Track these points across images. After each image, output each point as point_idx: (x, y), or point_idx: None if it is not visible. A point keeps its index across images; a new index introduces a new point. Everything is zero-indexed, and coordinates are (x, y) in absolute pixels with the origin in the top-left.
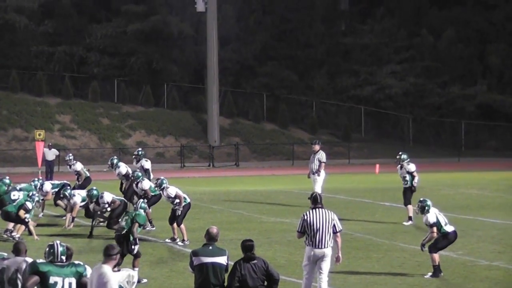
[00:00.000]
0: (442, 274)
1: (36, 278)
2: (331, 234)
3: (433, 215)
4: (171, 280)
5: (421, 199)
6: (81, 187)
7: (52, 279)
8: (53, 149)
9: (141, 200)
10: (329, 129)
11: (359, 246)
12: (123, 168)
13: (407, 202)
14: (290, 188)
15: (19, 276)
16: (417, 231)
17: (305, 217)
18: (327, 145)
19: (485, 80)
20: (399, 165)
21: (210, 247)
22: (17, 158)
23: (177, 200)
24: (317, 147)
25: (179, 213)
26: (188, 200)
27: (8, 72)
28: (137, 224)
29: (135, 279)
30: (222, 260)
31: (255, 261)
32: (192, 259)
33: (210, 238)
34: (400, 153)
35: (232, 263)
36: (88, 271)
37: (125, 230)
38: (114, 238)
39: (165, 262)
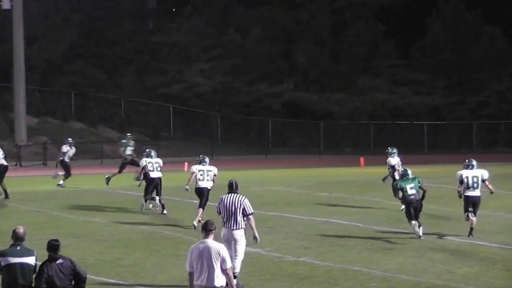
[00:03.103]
0: None
1: None
2: (241, 216)
3: None
4: None
5: None
6: None
7: None
8: None
9: None
10: (138, 128)
11: (169, 244)
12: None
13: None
14: (98, 187)
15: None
16: None
17: (221, 200)
18: (136, 144)
19: (291, 78)
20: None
21: (18, 247)
22: None
23: None
24: None
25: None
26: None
27: None
28: None
29: None
30: (30, 260)
31: (61, 261)
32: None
33: (17, 238)
34: (388, 148)
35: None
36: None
37: None
38: None
39: None
